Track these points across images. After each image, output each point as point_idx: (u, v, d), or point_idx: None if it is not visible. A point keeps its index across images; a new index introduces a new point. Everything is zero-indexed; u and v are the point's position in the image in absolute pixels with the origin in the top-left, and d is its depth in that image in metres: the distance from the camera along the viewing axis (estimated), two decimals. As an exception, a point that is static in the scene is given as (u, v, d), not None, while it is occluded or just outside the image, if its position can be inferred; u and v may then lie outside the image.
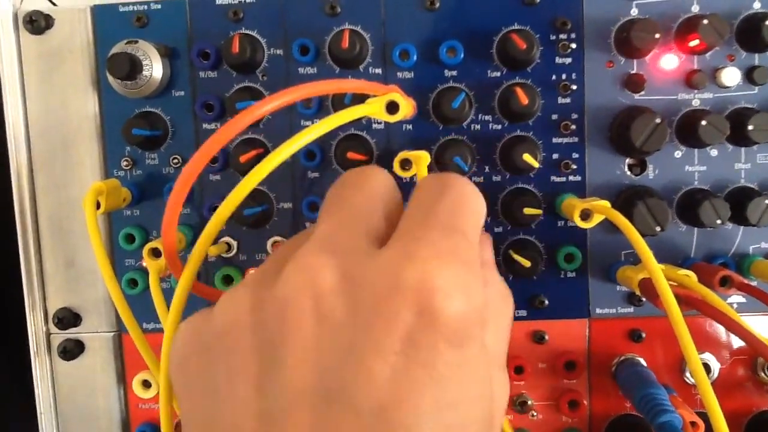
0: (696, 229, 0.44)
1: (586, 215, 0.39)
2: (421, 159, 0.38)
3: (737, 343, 0.45)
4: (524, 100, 0.41)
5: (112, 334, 0.47)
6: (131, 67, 0.41)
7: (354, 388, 0.20)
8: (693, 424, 0.39)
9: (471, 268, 0.22)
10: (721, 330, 0.45)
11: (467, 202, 0.25)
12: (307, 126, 0.43)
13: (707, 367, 0.44)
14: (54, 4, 0.46)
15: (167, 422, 0.31)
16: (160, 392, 0.30)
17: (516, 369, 0.45)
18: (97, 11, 0.44)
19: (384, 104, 0.32)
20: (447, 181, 0.26)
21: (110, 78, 0.43)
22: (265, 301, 0.22)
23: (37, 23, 0.43)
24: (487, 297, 0.23)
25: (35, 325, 0.46)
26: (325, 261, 0.22)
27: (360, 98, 0.42)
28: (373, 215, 0.25)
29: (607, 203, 0.38)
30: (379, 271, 0.21)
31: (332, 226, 0.24)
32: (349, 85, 0.37)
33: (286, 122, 0.44)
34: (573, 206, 0.39)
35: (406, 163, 0.40)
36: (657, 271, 0.34)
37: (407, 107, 0.33)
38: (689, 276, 0.38)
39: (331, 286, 0.21)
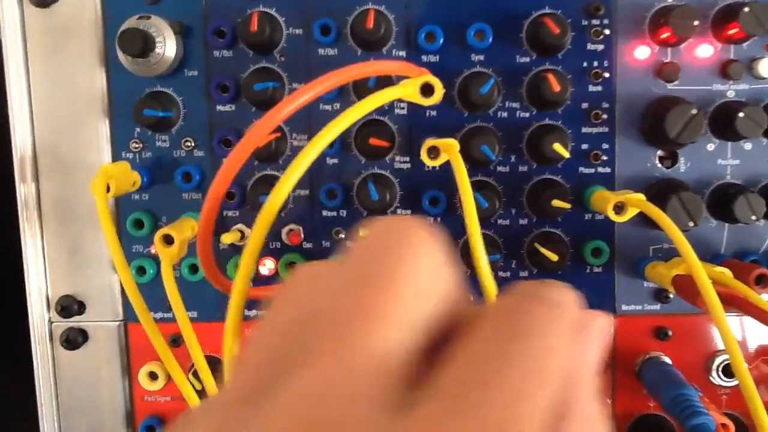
0: (727, 224, 0.42)
1: (619, 208, 0.37)
2: (452, 148, 0.36)
3: (756, 343, 0.44)
4: (557, 87, 0.39)
5: (118, 323, 0.45)
6: (144, 44, 0.39)
7: None
8: (723, 425, 0.38)
9: None
10: (740, 330, 0.44)
11: (553, 360, 0.15)
12: (326, 110, 0.41)
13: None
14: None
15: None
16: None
17: (537, 366, 0.43)
18: (106, -16, 0.42)
19: (418, 86, 0.30)
20: (531, 323, 0.16)
21: (121, 55, 0.41)
22: None
23: (43, -4, 0.41)
24: None
25: (37, 313, 0.44)
26: None
27: (384, 81, 0.40)
28: (418, 330, 0.16)
29: (642, 196, 0.37)
30: None
31: (340, 358, 0.15)
32: (389, 66, 0.35)
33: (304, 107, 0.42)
34: (606, 199, 0.38)
35: (432, 151, 0.38)
36: (699, 268, 0.33)
37: (441, 90, 0.31)
38: (725, 273, 0.37)
39: None
